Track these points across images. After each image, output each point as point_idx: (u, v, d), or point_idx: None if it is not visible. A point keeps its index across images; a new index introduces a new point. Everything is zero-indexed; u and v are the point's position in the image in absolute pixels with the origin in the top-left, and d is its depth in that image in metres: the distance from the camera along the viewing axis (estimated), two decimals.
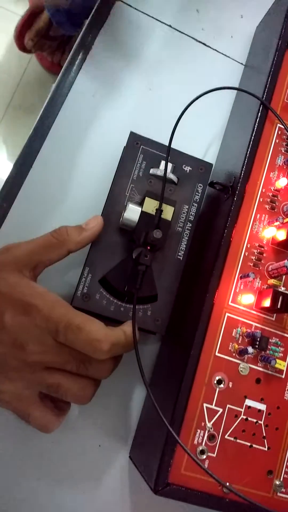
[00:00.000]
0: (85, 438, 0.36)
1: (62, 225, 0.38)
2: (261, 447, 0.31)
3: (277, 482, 0.30)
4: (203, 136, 0.43)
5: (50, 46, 1.16)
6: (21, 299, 0.29)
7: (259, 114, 0.35)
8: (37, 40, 1.12)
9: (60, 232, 0.33)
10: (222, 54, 0.46)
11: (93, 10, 0.45)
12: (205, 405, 0.30)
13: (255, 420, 0.31)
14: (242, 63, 0.46)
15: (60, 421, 0.32)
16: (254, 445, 0.30)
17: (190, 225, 0.37)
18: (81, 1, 0.75)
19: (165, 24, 0.45)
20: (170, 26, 0.45)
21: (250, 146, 0.34)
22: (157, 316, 0.35)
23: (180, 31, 0.46)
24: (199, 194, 0.38)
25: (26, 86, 1.23)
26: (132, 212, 0.35)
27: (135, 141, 0.38)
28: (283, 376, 0.32)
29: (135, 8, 0.45)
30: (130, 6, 0.45)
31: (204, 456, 0.29)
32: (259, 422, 0.31)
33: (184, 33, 0.46)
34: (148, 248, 0.35)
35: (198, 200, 0.38)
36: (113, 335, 0.30)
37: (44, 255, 0.32)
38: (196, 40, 0.46)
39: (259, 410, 0.31)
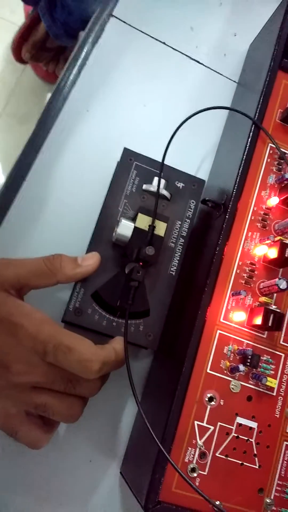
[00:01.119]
0: (76, 453, 0.36)
1: (54, 240, 0.38)
2: (252, 465, 0.31)
3: (268, 500, 0.30)
4: (196, 153, 0.43)
5: (47, 57, 1.16)
6: (7, 319, 0.29)
7: (251, 133, 0.35)
8: (35, 52, 1.13)
9: (54, 261, 0.32)
10: (215, 71, 0.47)
11: (88, 26, 0.46)
12: (196, 422, 0.30)
13: (246, 438, 0.31)
14: (235, 81, 0.47)
15: (49, 437, 0.31)
16: (245, 463, 0.30)
17: (183, 240, 0.38)
18: (78, 14, 0.76)
19: (159, 41, 0.46)
20: (164, 43, 0.46)
21: (242, 165, 0.35)
22: (149, 331, 0.35)
23: (174, 49, 0.46)
24: (192, 210, 0.38)
25: (20, 95, 1.24)
26: (125, 228, 0.35)
27: (128, 157, 0.38)
28: (274, 394, 0.32)
29: (130, 25, 0.46)
30: (125, 22, 0.45)
31: (195, 474, 0.29)
32: (250, 440, 0.31)
33: (178, 51, 0.46)
34: (141, 264, 0.35)
35: (190, 216, 0.38)
36: (103, 354, 0.30)
37: (32, 281, 0.31)
38: (190, 58, 0.46)
39: (250, 428, 0.31)
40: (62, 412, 0.30)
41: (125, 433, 0.37)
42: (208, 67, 0.47)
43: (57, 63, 1.16)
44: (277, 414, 0.32)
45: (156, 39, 0.46)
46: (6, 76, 1.26)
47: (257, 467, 0.31)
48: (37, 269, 0.32)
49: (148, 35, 0.46)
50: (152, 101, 0.44)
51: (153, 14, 0.46)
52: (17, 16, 1.18)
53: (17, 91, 1.25)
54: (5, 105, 1.21)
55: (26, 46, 1.14)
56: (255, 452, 0.31)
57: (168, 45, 0.46)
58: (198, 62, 0.47)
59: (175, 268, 0.37)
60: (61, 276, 0.32)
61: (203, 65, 0.47)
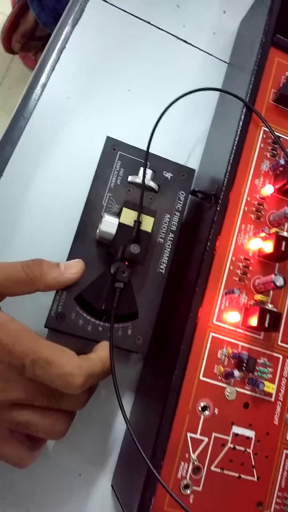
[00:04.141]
0: (64, 466, 0.34)
1: (34, 240, 0.36)
2: (250, 478, 0.28)
3: None
4: (185, 140, 0.41)
5: (36, 46, 1.13)
6: None
7: (243, 116, 0.32)
8: (24, 42, 1.09)
9: (34, 267, 0.29)
10: (204, 52, 0.44)
11: (67, 6, 0.42)
12: (189, 434, 0.27)
13: (243, 449, 0.29)
14: (225, 61, 0.44)
15: (35, 455, 0.29)
16: (242, 476, 0.28)
17: (172, 235, 0.35)
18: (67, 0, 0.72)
19: (144, 20, 0.43)
20: (149, 22, 0.43)
21: (234, 151, 0.32)
22: (138, 335, 0.33)
23: (159, 28, 0.43)
24: (181, 202, 0.36)
25: (8, 85, 1.20)
26: (109, 225, 0.32)
27: (112, 146, 0.35)
28: (273, 399, 0.29)
29: (111, 4, 0.42)
30: (106, 1, 0.42)
31: (189, 491, 0.27)
32: (248, 450, 0.29)
33: (164, 30, 0.43)
34: (126, 263, 0.32)
35: (180, 209, 0.35)
36: (88, 365, 0.27)
37: (9, 288, 0.28)
38: (177, 38, 0.43)
39: (248, 437, 0.29)
40: (46, 429, 0.27)
41: (116, 443, 0.35)
42: (197, 47, 0.44)
43: None
44: (276, 421, 0.29)
45: (140, 18, 0.43)
46: None
47: (255, 479, 0.28)
48: (14, 276, 0.29)
49: (132, 14, 0.43)
50: (137, 86, 0.41)
51: None
52: (3, 5, 1.14)
53: (6, 82, 1.21)
54: None
55: (15, 36, 1.10)
56: (253, 464, 0.29)
57: (153, 25, 0.43)
58: (185, 42, 0.43)
59: (164, 265, 0.34)
60: (41, 285, 0.29)
61: (191, 45, 0.44)
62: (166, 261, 0.34)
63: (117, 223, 0.32)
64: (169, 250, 0.35)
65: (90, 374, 0.27)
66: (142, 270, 0.34)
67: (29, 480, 0.33)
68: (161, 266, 0.34)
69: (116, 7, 0.42)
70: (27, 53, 1.14)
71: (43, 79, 0.40)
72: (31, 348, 0.26)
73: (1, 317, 0.27)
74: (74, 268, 0.31)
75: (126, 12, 0.43)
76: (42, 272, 0.29)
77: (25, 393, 0.26)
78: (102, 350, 0.30)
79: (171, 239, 0.35)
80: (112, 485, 0.33)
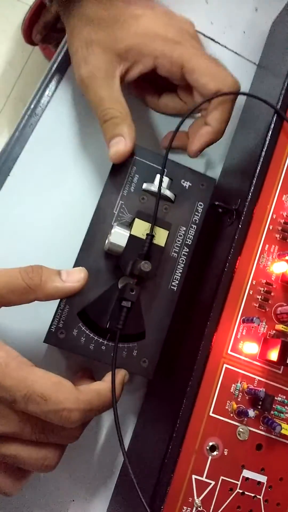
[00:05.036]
0: (57, 492, 0.31)
1: (38, 247, 0.33)
2: None
3: None
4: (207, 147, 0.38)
5: (57, 39, 1.11)
6: None
7: (273, 125, 0.29)
8: (45, 33, 1.07)
9: (33, 274, 0.27)
10: (233, 51, 0.41)
11: None
12: (194, 476, 0.25)
13: (253, 495, 0.26)
14: (255, 63, 0.41)
15: (22, 484, 0.27)
16: None
17: (187, 250, 0.32)
18: None
19: None
20: None
21: (261, 162, 0.29)
22: (144, 357, 0.30)
23: None
24: (199, 215, 0.33)
25: (27, 77, 1.18)
26: (119, 236, 0.30)
27: None
28: None
29: None
30: None
31: None
32: (258, 496, 0.26)
33: None
34: (136, 280, 0.30)
35: (197, 222, 0.33)
36: (85, 400, 0.25)
37: (5, 297, 0.26)
38: (204, 35, 0.40)
39: (259, 483, 0.26)
40: (34, 464, 0.25)
41: (114, 470, 0.32)
42: (225, 46, 0.41)
43: None
44: None
45: None
46: (15, 58, 1.21)
47: None
48: (12, 284, 0.26)
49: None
50: None
51: None
52: None
53: (25, 74, 1.19)
54: (12, 89, 1.16)
55: (37, 27, 1.08)
56: (263, 511, 0.26)
57: None
58: (213, 40, 0.40)
59: (176, 282, 0.32)
60: (40, 293, 0.27)
61: (219, 43, 0.41)
62: (178, 277, 0.32)
63: (128, 235, 0.30)
64: (182, 266, 0.32)
65: (88, 409, 0.25)
66: (152, 286, 0.31)
67: (21, 505, 0.31)
68: (173, 283, 0.32)
69: None
70: (48, 45, 1.12)
71: (58, 75, 0.37)
72: (23, 381, 0.23)
73: None
74: (77, 275, 0.28)
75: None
76: (41, 279, 0.27)
77: (14, 427, 0.24)
78: (99, 385, 0.27)
79: (186, 254, 0.32)
80: None
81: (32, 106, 0.36)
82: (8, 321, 0.32)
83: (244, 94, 0.37)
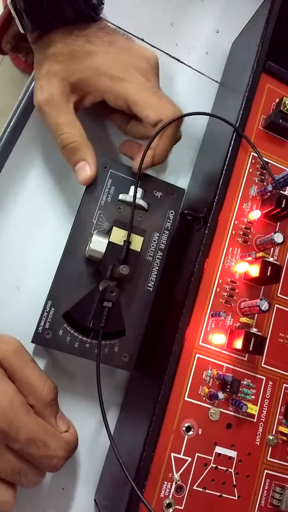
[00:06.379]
0: (47, 481, 0.34)
1: (21, 258, 0.36)
2: (231, 497, 0.29)
3: None
4: (176, 160, 0.41)
5: (26, 48, 1.12)
6: None
7: (233, 141, 0.33)
8: (15, 43, 1.08)
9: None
10: (197, 71, 0.44)
11: None
12: (173, 454, 0.28)
13: (225, 468, 0.29)
14: (217, 81, 0.44)
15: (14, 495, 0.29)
16: (223, 495, 0.29)
17: (161, 254, 0.35)
18: None
19: (138, 37, 0.43)
20: (142, 40, 0.43)
21: (223, 175, 0.32)
22: (125, 352, 0.33)
23: (152, 45, 0.43)
24: (171, 221, 0.36)
25: None
26: (98, 244, 0.33)
27: (103, 164, 0.35)
28: (255, 420, 0.30)
29: (106, 20, 0.43)
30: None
31: (171, 510, 0.27)
32: (229, 470, 0.29)
33: (157, 48, 0.44)
34: (115, 282, 0.33)
35: (169, 228, 0.36)
36: (70, 442, 0.29)
37: None
38: (170, 56, 0.44)
39: (230, 458, 0.29)
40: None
41: (100, 457, 0.35)
42: (189, 66, 0.44)
43: None
44: (257, 442, 0.30)
45: (134, 35, 0.43)
46: None
47: (236, 498, 0.29)
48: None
49: (126, 30, 0.43)
50: None
51: (130, 8, 0.43)
52: None
53: None
54: None
55: (6, 37, 1.09)
56: (234, 483, 0.29)
57: (146, 42, 0.43)
58: (178, 60, 0.44)
59: (152, 283, 0.35)
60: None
61: (184, 63, 0.44)
62: (154, 279, 0.35)
63: (107, 242, 0.33)
64: (157, 268, 0.35)
65: (71, 450, 0.29)
66: (131, 287, 0.34)
67: None
68: (149, 284, 0.35)
69: (111, 23, 0.43)
70: (18, 54, 1.13)
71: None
72: (26, 426, 0.27)
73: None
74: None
75: (121, 28, 0.43)
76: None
77: None
78: (73, 428, 0.31)
79: (160, 257, 0.35)
80: (95, 499, 0.34)
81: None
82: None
83: (207, 114, 0.40)
